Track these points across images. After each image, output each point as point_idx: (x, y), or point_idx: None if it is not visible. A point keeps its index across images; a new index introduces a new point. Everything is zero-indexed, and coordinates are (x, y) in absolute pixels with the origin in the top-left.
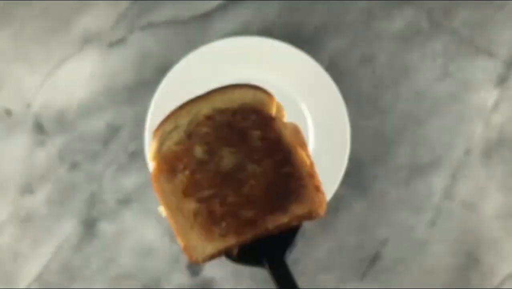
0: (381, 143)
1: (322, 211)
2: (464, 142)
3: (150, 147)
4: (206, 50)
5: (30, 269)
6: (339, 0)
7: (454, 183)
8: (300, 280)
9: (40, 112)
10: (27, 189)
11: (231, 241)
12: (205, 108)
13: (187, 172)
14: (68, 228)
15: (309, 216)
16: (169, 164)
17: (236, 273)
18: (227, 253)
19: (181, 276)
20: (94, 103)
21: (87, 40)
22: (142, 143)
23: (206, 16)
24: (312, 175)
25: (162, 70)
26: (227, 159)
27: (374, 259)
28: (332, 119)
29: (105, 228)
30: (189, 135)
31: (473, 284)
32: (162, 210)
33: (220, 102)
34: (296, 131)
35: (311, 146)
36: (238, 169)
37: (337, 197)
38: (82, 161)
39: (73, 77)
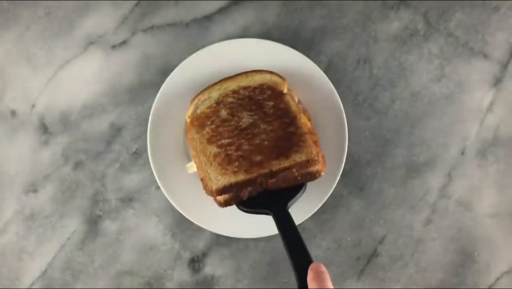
0: (378, 143)
1: (323, 169)
2: (459, 142)
3: (188, 109)
4: (206, 52)
5: (35, 267)
6: (337, 2)
7: (450, 182)
8: None
9: (44, 112)
10: (32, 187)
11: (240, 176)
12: (232, 85)
13: (213, 126)
14: (71, 226)
15: (307, 165)
16: (200, 121)
17: (236, 271)
18: (238, 202)
19: (182, 274)
20: (97, 104)
21: (91, 42)
22: (144, 143)
23: (207, 18)
24: (311, 133)
25: (164, 71)
26: (245, 119)
27: (372, 256)
28: (330, 119)
29: (108, 226)
30: (218, 103)
31: (469, 282)
32: (189, 166)
33: (245, 81)
34: (305, 110)
35: None
36: (253, 126)
37: (335, 195)
38: (86, 161)
39: (77, 78)
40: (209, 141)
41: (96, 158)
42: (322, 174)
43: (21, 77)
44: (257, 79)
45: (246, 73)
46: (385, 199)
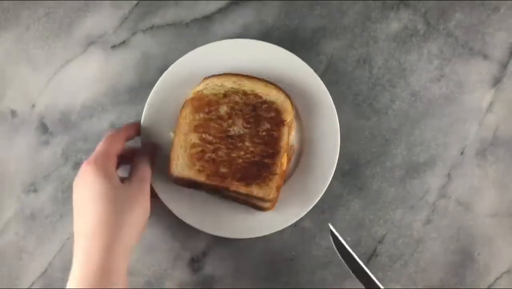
0: (378, 143)
1: (271, 207)
2: (459, 142)
3: (196, 85)
4: (201, 51)
5: (35, 266)
6: (337, 2)
7: (450, 182)
8: (298, 276)
9: (44, 112)
10: (32, 187)
11: (201, 178)
12: (247, 86)
13: (207, 116)
14: (71, 226)
15: (260, 200)
16: (199, 103)
17: (236, 271)
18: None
19: (182, 273)
20: (97, 103)
21: (91, 42)
22: None
23: (207, 19)
24: (281, 177)
25: (164, 71)
26: (237, 127)
27: (372, 256)
28: (323, 121)
29: None
30: (225, 95)
31: (468, 281)
32: (172, 134)
33: (260, 89)
34: (292, 147)
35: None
36: (239, 138)
37: (335, 195)
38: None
39: (77, 78)
40: (196, 129)
41: None
42: (268, 211)
43: (21, 77)
44: (271, 94)
45: (266, 82)
46: (384, 199)
